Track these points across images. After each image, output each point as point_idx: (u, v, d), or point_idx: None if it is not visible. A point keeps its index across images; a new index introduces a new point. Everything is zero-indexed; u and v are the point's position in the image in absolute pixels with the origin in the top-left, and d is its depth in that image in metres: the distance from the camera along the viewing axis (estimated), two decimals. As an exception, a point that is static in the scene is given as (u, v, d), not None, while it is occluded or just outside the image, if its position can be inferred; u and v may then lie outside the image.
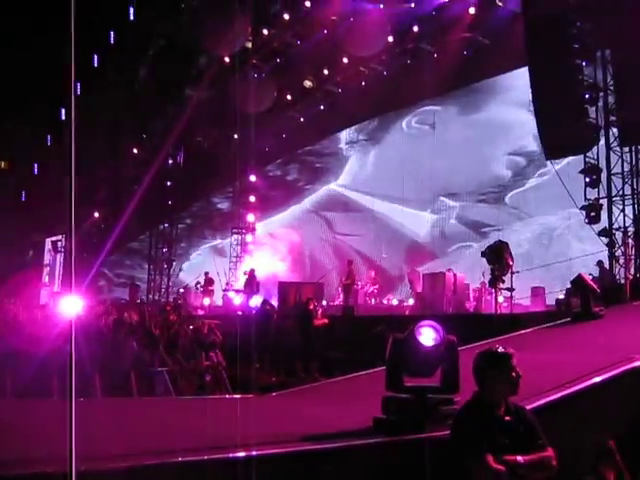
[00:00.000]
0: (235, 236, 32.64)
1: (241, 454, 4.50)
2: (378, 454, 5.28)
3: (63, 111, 28.55)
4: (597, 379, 6.77)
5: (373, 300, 25.26)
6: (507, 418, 4.73)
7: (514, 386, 4.75)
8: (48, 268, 33.60)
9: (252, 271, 25.81)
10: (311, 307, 17.82)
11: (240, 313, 24.93)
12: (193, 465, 4.35)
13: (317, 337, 17.30)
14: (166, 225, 32.59)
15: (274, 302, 22.11)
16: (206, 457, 4.41)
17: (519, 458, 4.53)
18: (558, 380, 6.73)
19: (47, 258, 33.77)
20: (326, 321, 17.97)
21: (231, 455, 4.47)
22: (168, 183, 31.51)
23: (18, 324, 13.32)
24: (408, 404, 5.58)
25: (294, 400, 8.19)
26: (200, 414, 6.61)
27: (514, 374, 4.73)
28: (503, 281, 16.56)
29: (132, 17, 26.98)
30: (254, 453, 4.53)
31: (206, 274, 28.09)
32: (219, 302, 28.30)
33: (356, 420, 5.84)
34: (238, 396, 10.03)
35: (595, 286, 11.89)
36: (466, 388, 5.15)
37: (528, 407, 5.91)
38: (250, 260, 30.25)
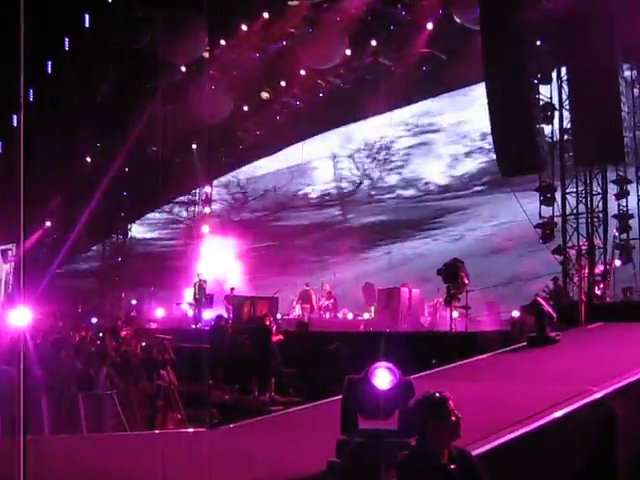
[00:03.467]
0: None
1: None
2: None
3: (14, 117, 27.89)
4: (558, 414, 6.70)
5: (328, 314, 25.06)
6: (452, 466, 4.60)
7: (456, 430, 4.60)
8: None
9: (202, 282, 25.38)
10: (268, 323, 17.59)
11: (194, 327, 24.60)
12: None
13: (273, 354, 17.10)
14: (119, 236, 31.93)
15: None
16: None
17: None
18: (514, 416, 6.64)
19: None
20: (281, 337, 17.75)
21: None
22: (125, 193, 30.90)
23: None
24: (363, 449, 5.39)
25: (247, 435, 7.95)
26: (149, 455, 6.37)
27: (454, 418, 4.60)
28: (458, 299, 16.64)
29: (87, 24, 26.58)
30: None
31: None
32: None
33: (310, 462, 5.66)
34: (190, 430, 9.74)
35: (551, 310, 11.88)
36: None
37: (486, 447, 5.83)
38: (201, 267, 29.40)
